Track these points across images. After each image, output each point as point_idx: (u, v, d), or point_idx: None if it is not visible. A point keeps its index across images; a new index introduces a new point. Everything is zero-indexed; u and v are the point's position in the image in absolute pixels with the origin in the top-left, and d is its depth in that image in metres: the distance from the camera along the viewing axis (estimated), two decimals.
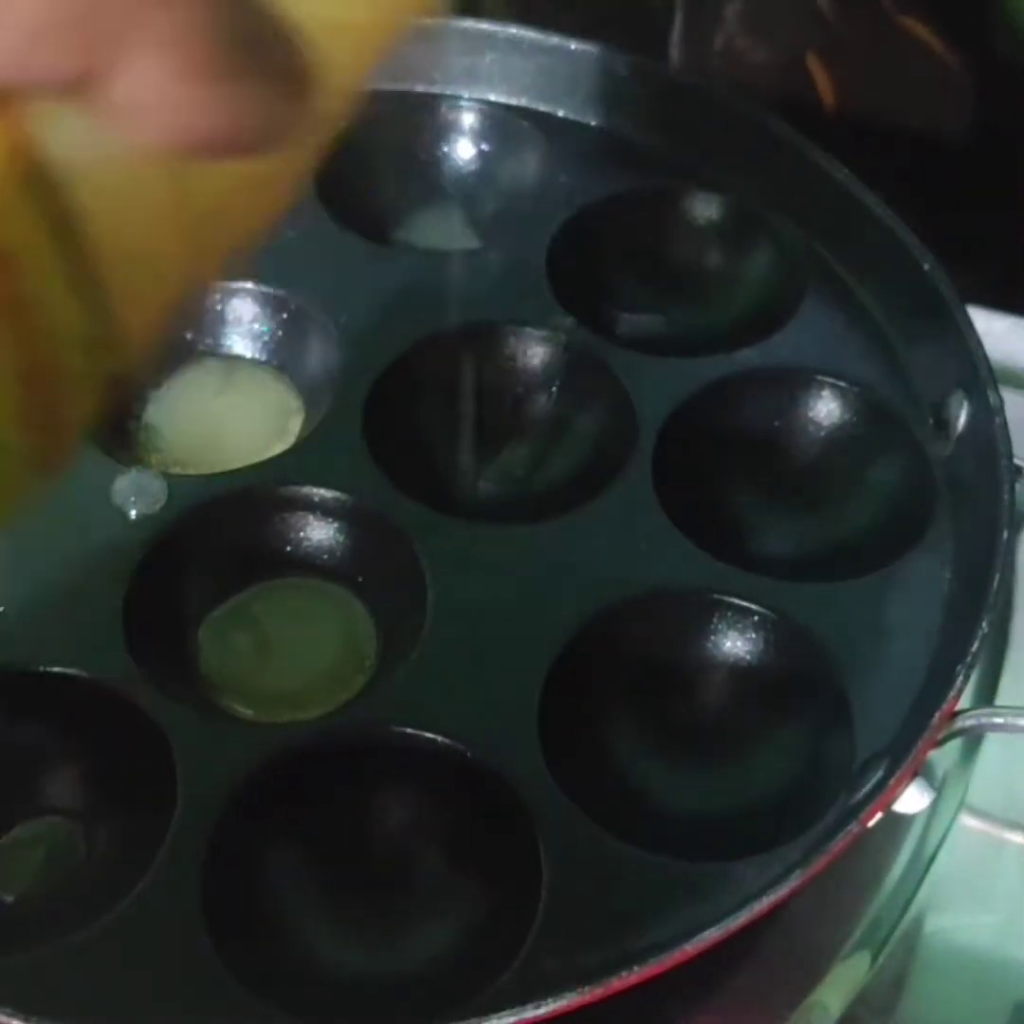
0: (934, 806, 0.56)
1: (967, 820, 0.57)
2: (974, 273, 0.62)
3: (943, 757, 0.57)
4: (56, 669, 0.49)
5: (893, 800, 0.46)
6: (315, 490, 0.54)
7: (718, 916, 0.42)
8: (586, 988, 0.40)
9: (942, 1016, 0.54)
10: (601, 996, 0.41)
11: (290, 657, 0.52)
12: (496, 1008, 0.40)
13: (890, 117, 0.82)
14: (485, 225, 0.66)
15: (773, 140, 0.64)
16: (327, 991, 0.44)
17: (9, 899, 0.47)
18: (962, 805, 0.57)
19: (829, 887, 0.54)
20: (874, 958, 0.53)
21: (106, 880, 0.46)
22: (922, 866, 0.56)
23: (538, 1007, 0.40)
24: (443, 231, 0.67)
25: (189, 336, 0.60)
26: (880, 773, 0.45)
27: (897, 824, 0.56)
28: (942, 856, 0.56)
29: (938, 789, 0.56)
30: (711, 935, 0.42)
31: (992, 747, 0.58)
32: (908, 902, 0.55)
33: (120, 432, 0.57)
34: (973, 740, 0.58)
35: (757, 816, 0.48)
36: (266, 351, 0.61)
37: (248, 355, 0.61)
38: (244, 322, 0.61)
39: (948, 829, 0.57)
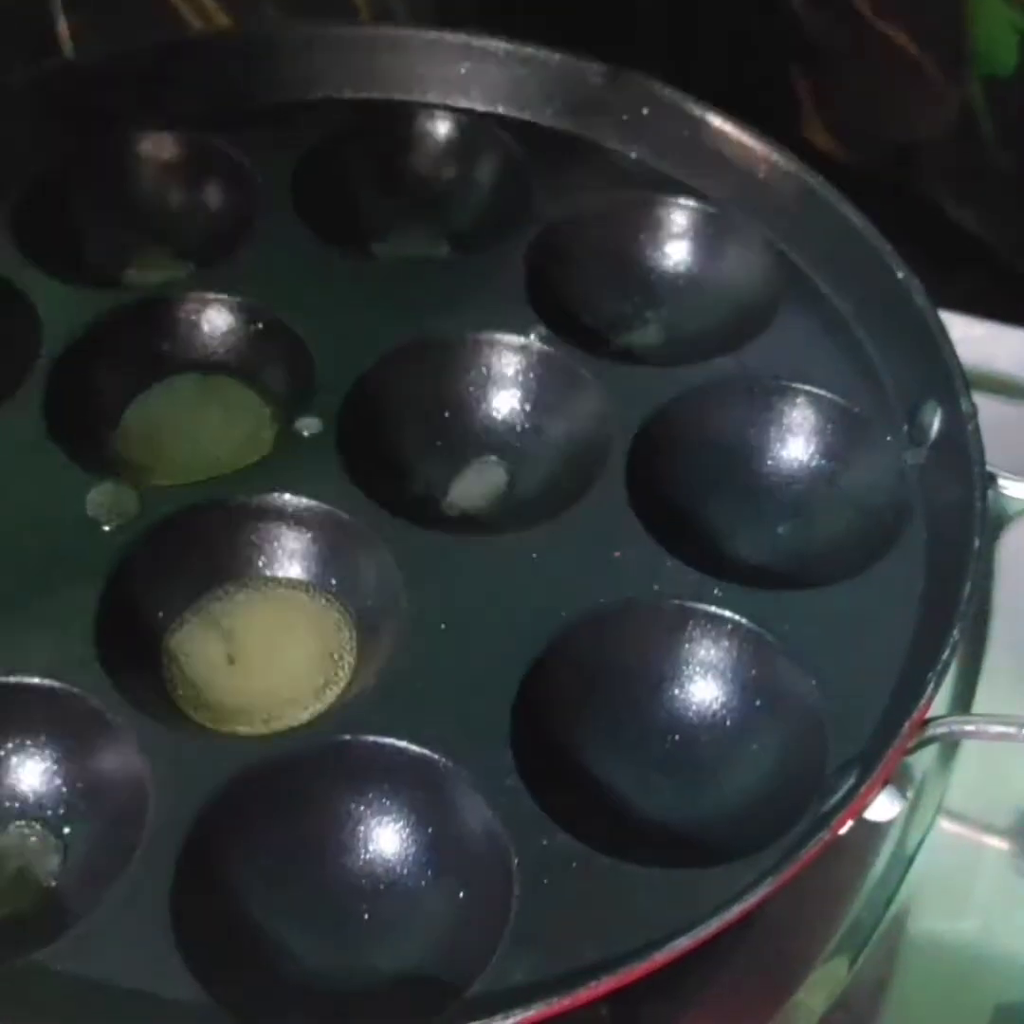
0: (912, 810, 0.57)
1: (946, 824, 0.57)
2: (953, 279, 0.62)
3: (920, 761, 0.57)
4: (29, 680, 0.49)
5: (864, 808, 0.46)
6: (289, 499, 0.54)
7: (689, 924, 0.42)
8: (555, 998, 0.40)
9: (923, 1019, 0.54)
10: (569, 1006, 0.41)
11: (264, 667, 0.52)
12: (465, 1018, 0.40)
13: (871, 122, 0.82)
14: (460, 234, 0.67)
15: (747, 149, 0.64)
16: (298, 1000, 0.44)
17: None
18: (940, 809, 0.57)
19: (808, 890, 0.54)
20: (853, 961, 0.54)
21: (82, 889, 0.46)
22: (901, 870, 0.56)
23: (506, 1018, 0.40)
24: (418, 240, 0.67)
25: (165, 347, 0.60)
26: (851, 781, 0.46)
27: (875, 828, 0.56)
28: (921, 860, 0.56)
29: (915, 793, 0.57)
30: (681, 944, 0.41)
31: (970, 751, 0.58)
32: (887, 905, 0.55)
33: (95, 443, 0.57)
34: (950, 744, 0.58)
35: (730, 824, 0.48)
36: (241, 362, 0.61)
37: (223, 366, 0.61)
38: (219, 333, 0.61)
39: (927, 833, 0.57)
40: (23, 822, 0.48)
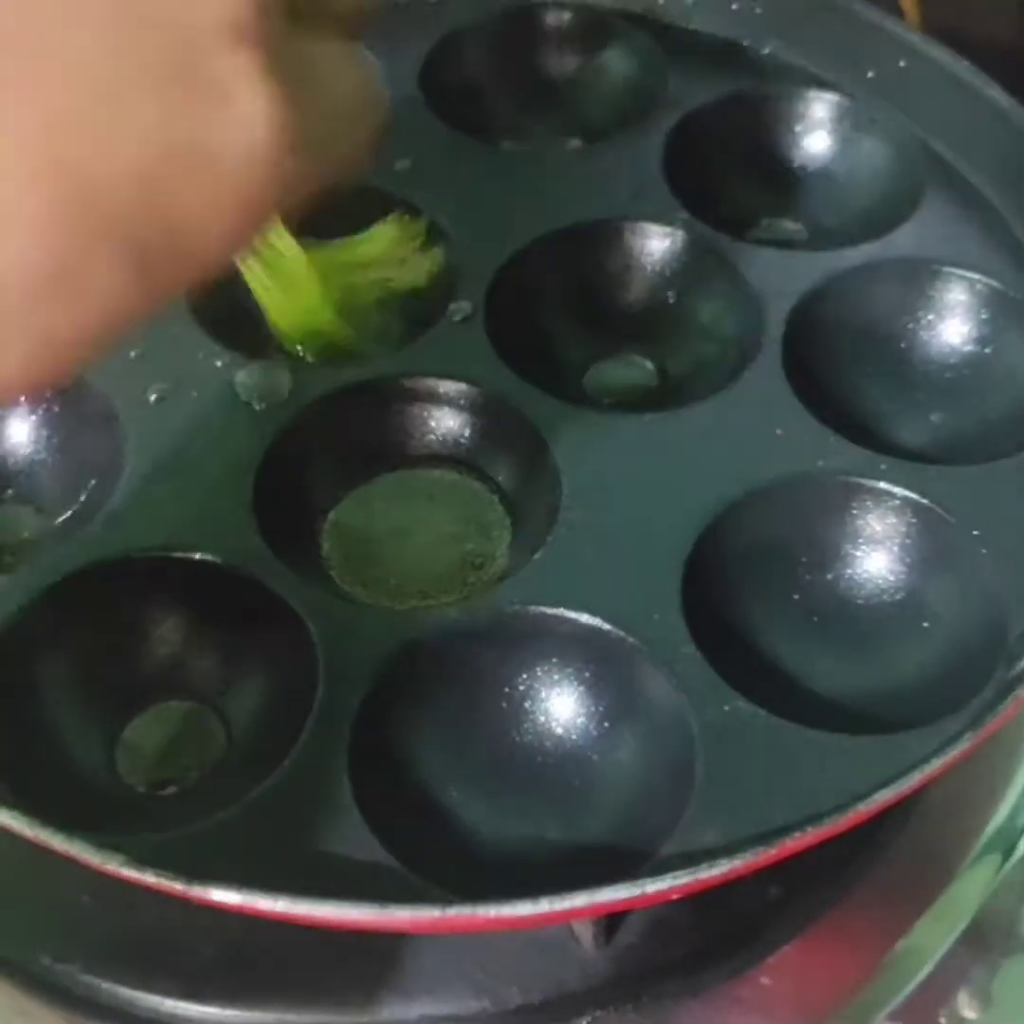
0: None
1: None
2: None
3: None
4: (190, 555, 0.48)
5: None
6: (440, 381, 0.53)
7: (888, 781, 0.41)
8: (757, 851, 0.39)
9: None
10: (766, 863, 0.40)
11: (420, 545, 0.51)
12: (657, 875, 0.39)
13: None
14: (599, 127, 0.65)
15: (885, 36, 0.63)
16: (480, 865, 0.43)
17: (142, 787, 0.46)
18: None
19: (962, 784, 0.53)
20: (1006, 856, 0.53)
21: (247, 764, 0.45)
22: None
23: (709, 868, 0.39)
24: (550, 135, 0.66)
25: None
26: None
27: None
28: None
29: None
30: (884, 796, 0.40)
31: None
32: None
33: (238, 325, 0.56)
34: None
35: (908, 696, 0.47)
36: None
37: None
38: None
39: None
40: (185, 699, 0.48)
